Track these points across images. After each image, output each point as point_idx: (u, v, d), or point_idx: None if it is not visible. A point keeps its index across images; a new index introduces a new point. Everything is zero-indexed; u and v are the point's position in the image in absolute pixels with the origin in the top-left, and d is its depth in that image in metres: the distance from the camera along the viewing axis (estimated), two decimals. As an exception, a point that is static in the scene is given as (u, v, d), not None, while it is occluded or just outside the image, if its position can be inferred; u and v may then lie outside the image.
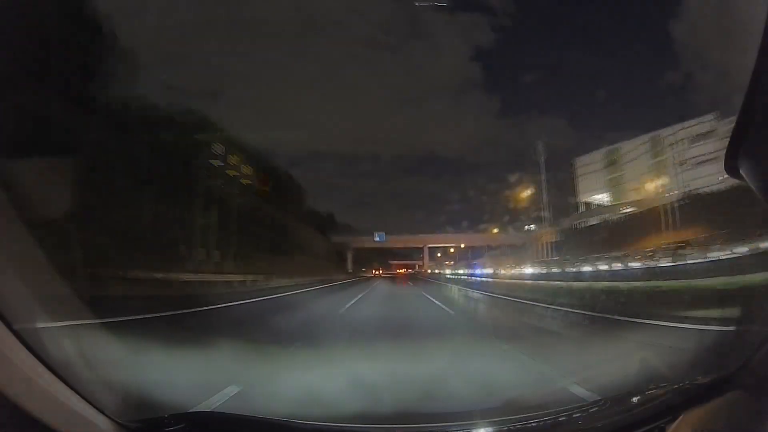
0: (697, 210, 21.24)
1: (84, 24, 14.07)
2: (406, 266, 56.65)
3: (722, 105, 24.85)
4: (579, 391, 3.06)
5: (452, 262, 51.23)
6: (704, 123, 26.09)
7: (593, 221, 33.88)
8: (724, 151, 1.18)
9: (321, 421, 1.69)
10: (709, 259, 13.34)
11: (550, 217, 34.60)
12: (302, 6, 47.04)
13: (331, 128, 49.62)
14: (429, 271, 47.95)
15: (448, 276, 39.06)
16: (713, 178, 20.24)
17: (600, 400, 1.77)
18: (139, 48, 18.40)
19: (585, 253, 26.17)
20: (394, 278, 44.95)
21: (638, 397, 1.62)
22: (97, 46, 14.69)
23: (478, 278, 29.09)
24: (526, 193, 35.82)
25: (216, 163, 21.69)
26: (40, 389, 1.03)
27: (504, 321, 9.57)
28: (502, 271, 29.71)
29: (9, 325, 1.02)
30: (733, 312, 4.91)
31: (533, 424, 1.58)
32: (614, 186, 35.04)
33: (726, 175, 1.25)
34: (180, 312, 7.96)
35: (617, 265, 19.54)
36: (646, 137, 31.46)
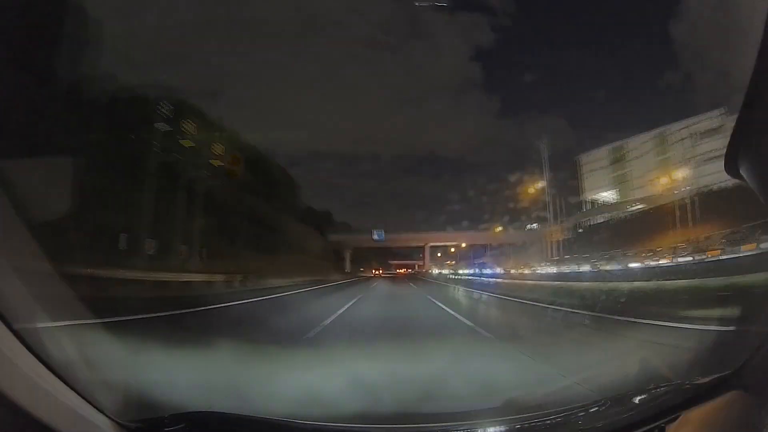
0: (710, 207, 20.84)
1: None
2: (406, 266, 55.85)
3: (722, 105, 24.74)
4: (579, 390, 3.06)
5: (453, 262, 50.04)
6: (712, 119, 25.74)
7: (599, 219, 33.26)
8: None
9: (321, 421, 1.69)
10: (739, 255, 12.52)
11: (552, 215, 34.09)
12: (302, 6, 47.12)
13: (330, 128, 49.68)
14: (432, 271, 46.39)
15: (453, 276, 37.37)
16: (722, 174, 19.97)
17: (601, 399, 1.77)
18: (139, 47, 18.42)
19: (596, 251, 25.58)
20: (394, 278, 43.76)
21: (638, 397, 1.62)
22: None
23: (489, 279, 27.31)
24: (529, 191, 35.20)
25: (162, 127, 16.92)
26: (40, 389, 1.03)
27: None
28: (514, 271, 28.51)
29: (9, 325, 1.02)
30: (734, 311, 4.89)
31: (534, 424, 1.58)
32: (620, 183, 34.32)
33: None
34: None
35: (635, 264, 18.63)
36: (652, 134, 30.97)
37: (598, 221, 33.35)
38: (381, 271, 53.59)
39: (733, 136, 1.17)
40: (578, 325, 7.31)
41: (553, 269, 25.50)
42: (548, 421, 1.57)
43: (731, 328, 3.93)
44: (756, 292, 5.62)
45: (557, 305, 9.48)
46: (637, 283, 11.55)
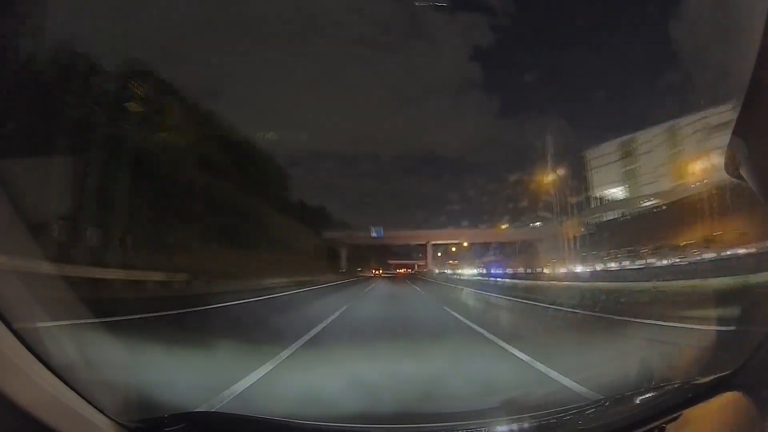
0: (733, 201, 20.24)
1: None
2: (406, 266, 55.05)
3: (725, 102, 24.61)
4: (579, 390, 3.06)
5: (456, 262, 47.70)
6: (723, 113, 25.38)
7: (611, 215, 31.96)
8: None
9: (321, 421, 1.69)
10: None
11: (559, 212, 32.90)
12: (302, 6, 47.08)
13: (330, 128, 49.55)
14: (434, 270, 43.81)
15: (460, 277, 34.45)
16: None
17: (600, 399, 1.77)
18: (138, 46, 18.22)
19: (613, 248, 24.44)
20: (393, 278, 41.98)
21: (639, 397, 1.62)
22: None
23: (508, 279, 24.13)
24: (534, 187, 33.74)
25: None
26: (40, 389, 1.03)
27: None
28: (531, 270, 26.48)
29: (9, 325, 1.02)
30: (735, 311, 4.84)
31: (534, 424, 1.58)
32: (630, 179, 32.67)
33: None
34: None
35: (677, 259, 17.40)
36: (661, 128, 29.86)
37: (610, 217, 31.96)
38: (380, 271, 52.39)
39: (733, 136, 1.18)
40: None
41: (583, 268, 23.64)
42: (548, 421, 1.57)
43: (731, 328, 3.93)
44: (756, 292, 5.61)
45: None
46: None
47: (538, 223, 35.22)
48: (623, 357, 4.27)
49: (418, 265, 52.23)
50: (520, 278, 23.73)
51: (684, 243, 20.33)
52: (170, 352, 3.89)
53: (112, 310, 6.39)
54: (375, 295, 16.78)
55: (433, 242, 42.18)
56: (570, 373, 3.45)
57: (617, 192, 33.95)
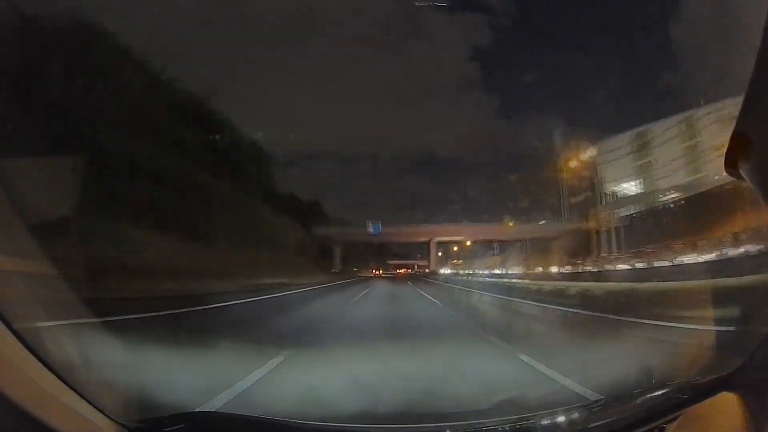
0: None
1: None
2: (406, 266, 54.04)
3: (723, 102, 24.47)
4: (579, 390, 3.06)
5: (460, 261, 44.61)
6: (737, 105, 24.94)
7: (626, 211, 30.10)
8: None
9: (321, 421, 1.69)
10: None
11: (567, 207, 31.99)
12: (302, 6, 47.07)
13: (329, 128, 49.45)
14: (442, 270, 40.01)
15: (486, 279, 28.45)
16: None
17: (600, 399, 1.77)
18: (137, 45, 18.01)
19: (642, 244, 22.77)
20: (394, 280, 39.00)
21: (638, 397, 1.62)
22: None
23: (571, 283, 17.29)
24: (546, 181, 32.21)
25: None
26: (40, 389, 1.03)
27: None
28: (590, 268, 22.55)
29: (9, 325, 1.02)
30: (739, 311, 4.83)
31: (534, 424, 1.58)
32: (644, 172, 30.83)
33: None
34: None
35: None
36: (676, 119, 28.50)
37: (625, 213, 29.93)
38: (381, 272, 50.86)
39: (733, 135, 1.18)
40: None
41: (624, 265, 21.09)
42: (548, 421, 1.57)
43: (731, 328, 3.93)
44: (756, 292, 5.61)
45: None
46: None
47: (542, 222, 33.99)
48: None
49: (418, 266, 51.22)
50: (578, 280, 18.71)
51: (714, 237, 18.98)
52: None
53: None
54: (372, 304, 12.80)
55: (437, 239, 38.38)
56: None
57: (629, 187, 31.99)
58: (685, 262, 17.61)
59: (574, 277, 21.79)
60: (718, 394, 1.42)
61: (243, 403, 2.82)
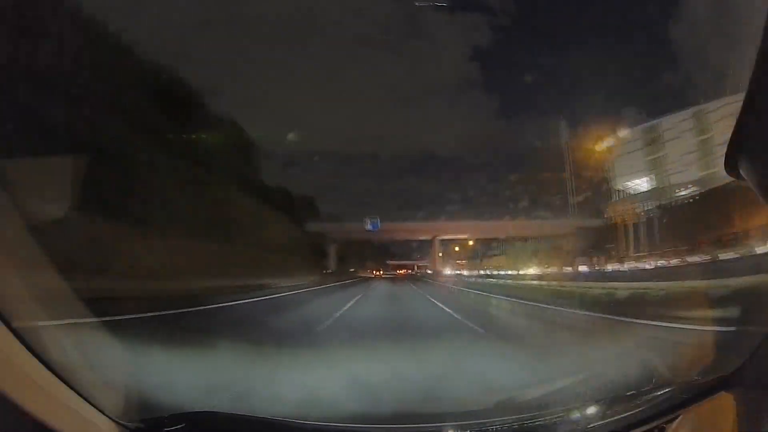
0: None
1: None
2: (406, 267, 53.85)
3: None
4: (579, 390, 3.06)
5: (464, 261, 42.31)
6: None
7: (641, 206, 28.63)
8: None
9: (321, 421, 1.69)
10: None
11: (575, 203, 30.59)
12: (302, 6, 47.05)
13: (329, 127, 49.29)
14: (446, 271, 37.29)
15: (500, 281, 26.17)
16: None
17: (600, 399, 1.77)
18: (137, 45, 17.94)
19: (669, 243, 21.25)
20: (393, 281, 36.98)
21: (638, 397, 1.62)
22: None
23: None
24: (553, 176, 30.38)
25: None
26: (40, 389, 1.03)
27: None
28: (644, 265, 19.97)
29: (9, 325, 1.02)
30: (738, 311, 4.83)
31: (534, 424, 1.58)
32: (656, 167, 29.53)
33: None
34: None
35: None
36: (688, 113, 27.65)
37: (640, 209, 28.39)
38: (381, 272, 49.55)
39: (733, 136, 1.18)
40: None
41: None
42: (548, 421, 1.57)
43: (731, 328, 3.94)
44: (756, 292, 5.61)
45: None
46: None
47: (551, 218, 31.94)
48: None
49: (418, 266, 50.64)
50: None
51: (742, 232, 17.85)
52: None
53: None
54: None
55: (441, 237, 35.19)
56: None
57: (642, 182, 30.47)
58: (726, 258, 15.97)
59: (617, 276, 18.81)
60: (718, 394, 1.42)
61: (243, 403, 2.82)
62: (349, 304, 11.39)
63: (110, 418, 1.21)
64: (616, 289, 12.00)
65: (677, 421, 1.37)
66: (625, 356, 4.24)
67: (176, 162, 16.70)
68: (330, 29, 50.08)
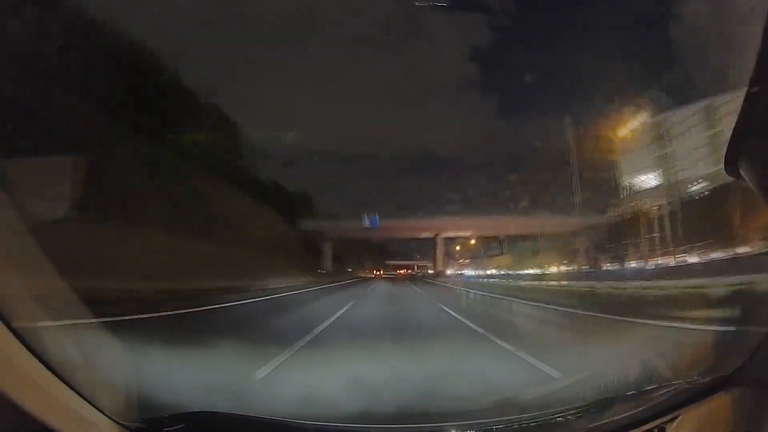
0: None
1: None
2: (406, 267, 52.99)
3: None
4: (579, 390, 3.06)
5: (467, 261, 40.74)
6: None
7: (653, 203, 27.57)
8: None
9: (321, 421, 1.69)
10: None
11: (579, 201, 29.69)
12: (302, 6, 47.04)
13: (328, 127, 49.23)
14: (449, 271, 35.08)
15: (518, 282, 23.07)
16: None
17: (600, 399, 1.77)
18: (136, 44, 17.96)
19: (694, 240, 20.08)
20: (394, 281, 35.08)
21: (638, 397, 1.62)
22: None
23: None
24: (559, 173, 29.21)
25: None
26: (40, 389, 1.03)
27: None
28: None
29: (9, 325, 1.02)
30: (740, 311, 4.80)
31: (534, 424, 1.58)
32: (664, 163, 28.24)
33: None
34: None
35: None
36: (697, 107, 26.58)
37: (649, 206, 27.35)
38: (381, 272, 49.75)
39: (733, 136, 1.18)
40: None
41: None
42: (548, 421, 1.57)
43: (731, 327, 3.93)
44: (756, 292, 5.61)
45: None
46: None
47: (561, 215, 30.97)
48: None
49: (418, 266, 50.27)
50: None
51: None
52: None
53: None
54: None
55: (445, 235, 33.16)
56: None
57: (650, 178, 29.21)
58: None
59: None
60: (718, 394, 1.42)
61: (243, 403, 2.82)
62: (337, 315, 9.02)
63: (110, 418, 1.21)
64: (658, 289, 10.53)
65: (677, 420, 1.37)
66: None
67: (149, 147, 15.37)
68: (330, 29, 50.14)
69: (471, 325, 7.69)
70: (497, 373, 4.14)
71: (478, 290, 19.65)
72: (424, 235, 34.06)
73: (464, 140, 60.39)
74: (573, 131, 31.35)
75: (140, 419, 1.33)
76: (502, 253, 37.33)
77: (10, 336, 1.02)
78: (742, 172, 1.17)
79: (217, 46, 39.29)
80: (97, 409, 1.18)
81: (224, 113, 23.10)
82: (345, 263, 36.32)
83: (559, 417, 1.60)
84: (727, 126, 24.85)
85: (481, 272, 34.95)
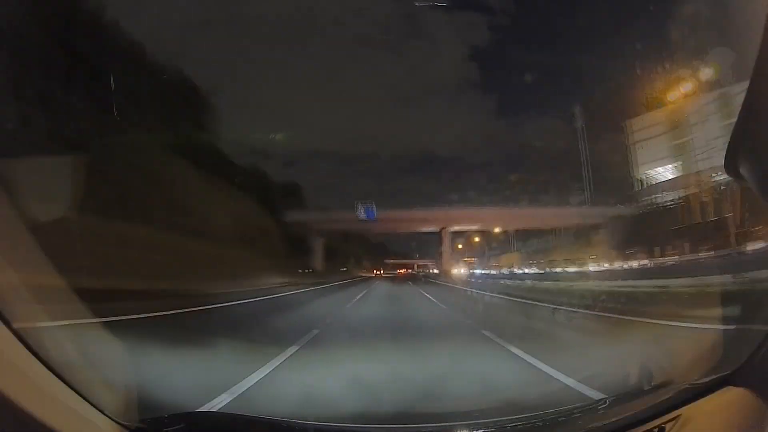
0: None
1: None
2: (406, 266, 52.62)
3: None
4: (579, 390, 3.06)
5: (473, 259, 37.49)
6: None
7: (669, 196, 25.99)
8: None
9: (321, 421, 1.69)
10: None
11: (591, 193, 28.32)
12: (302, 6, 46.99)
13: (328, 127, 49.18)
14: (456, 270, 30.85)
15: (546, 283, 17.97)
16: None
17: (601, 399, 1.77)
18: (136, 44, 17.90)
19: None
20: (393, 280, 32.13)
21: (638, 397, 1.62)
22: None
23: None
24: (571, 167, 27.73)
25: None
26: (40, 389, 1.03)
27: None
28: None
29: (9, 325, 1.02)
30: (744, 310, 4.77)
31: (534, 424, 1.58)
32: (682, 153, 26.41)
33: None
34: None
35: None
36: (714, 94, 25.09)
37: (668, 199, 25.70)
38: (381, 272, 48.41)
39: (733, 136, 1.18)
40: None
41: None
42: (548, 421, 1.57)
43: (731, 327, 3.93)
44: (756, 291, 5.60)
45: None
46: None
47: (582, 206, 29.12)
48: None
49: (418, 265, 49.75)
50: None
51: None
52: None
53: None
54: None
55: (453, 228, 29.48)
56: None
57: (666, 170, 27.55)
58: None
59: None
60: (719, 394, 1.42)
61: (243, 403, 2.82)
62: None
63: (110, 418, 1.21)
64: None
65: (677, 420, 1.37)
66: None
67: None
68: (330, 29, 50.12)
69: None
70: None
71: (502, 293, 15.10)
72: (428, 228, 30.32)
73: (464, 140, 60.38)
74: (583, 121, 30.14)
75: (140, 419, 1.33)
76: (507, 251, 34.91)
77: (10, 336, 1.02)
78: (742, 172, 1.17)
79: (217, 47, 39.28)
80: (97, 409, 1.18)
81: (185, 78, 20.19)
82: (338, 262, 32.58)
83: (559, 417, 1.60)
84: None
85: (489, 271, 30.65)
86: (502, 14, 49.89)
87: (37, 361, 1.06)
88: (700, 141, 25.38)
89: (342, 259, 34.31)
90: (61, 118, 12.28)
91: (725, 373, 1.49)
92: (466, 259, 36.08)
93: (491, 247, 37.75)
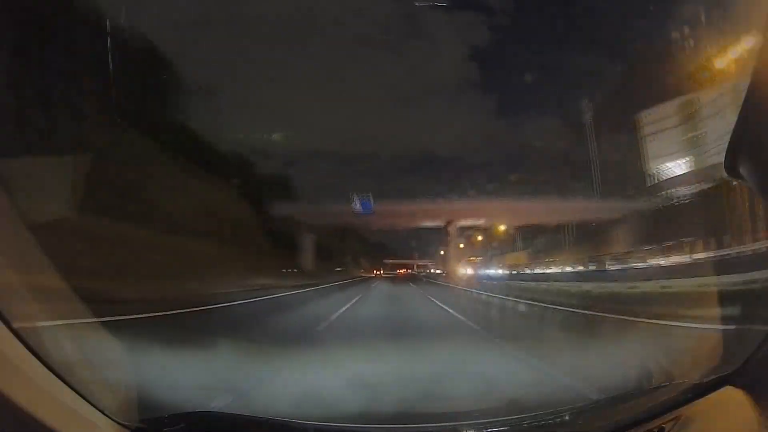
0: None
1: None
2: (405, 266, 50.63)
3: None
4: (579, 390, 3.06)
5: (477, 258, 35.55)
6: None
7: (683, 190, 24.88)
8: None
9: (321, 421, 1.69)
10: None
11: (599, 186, 27.22)
12: (302, 6, 47.01)
13: (328, 127, 49.17)
14: (462, 271, 28.32)
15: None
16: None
17: (601, 399, 1.77)
18: (136, 44, 17.93)
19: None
20: (393, 280, 30.22)
21: (638, 397, 1.62)
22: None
23: None
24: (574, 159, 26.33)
25: None
26: (40, 389, 1.03)
27: None
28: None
29: (9, 324, 1.02)
30: (734, 310, 4.80)
31: (534, 424, 1.58)
32: (695, 147, 25.29)
33: None
34: None
35: None
36: (727, 86, 23.56)
37: (681, 194, 24.56)
38: (381, 272, 47.91)
39: (733, 136, 1.18)
40: None
41: None
42: (548, 421, 1.57)
43: (731, 327, 3.93)
44: (756, 292, 5.60)
45: None
46: None
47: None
48: None
49: (417, 265, 49.42)
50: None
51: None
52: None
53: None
54: None
55: (460, 223, 26.71)
56: None
57: (679, 164, 26.38)
58: None
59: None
60: (719, 394, 1.42)
61: (243, 403, 2.82)
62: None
63: (110, 418, 1.21)
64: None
65: (677, 420, 1.37)
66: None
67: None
68: (330, 29, 50.11)
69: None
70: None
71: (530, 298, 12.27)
72: (432, 223, 27.26)
73: (464, 140, 60.35)
74: (590, 114, 29.11)
75: (140, 419, 1.33)
76: (516, 249, 32.84)
77: (10, 336, 1.02)
78: (742, 172, 1.17)
79: (216, 47, 39.27)
80: (97, 409, 1.18)
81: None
82: (332, 261, 29.10)
83: (559, 417, 1.60)
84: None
85: (495, 271, 27.76)
86: (502, 14, 49.93)
87: (37, 361, 1.06)
88: (714, 134, 23.45)
89: (337, 258, 31.94)
90: (61, 119, 12.40)
91: (725, 373, 1.49)
92: (470, 258, 34.03)
93: (492, 246, 37.03)
